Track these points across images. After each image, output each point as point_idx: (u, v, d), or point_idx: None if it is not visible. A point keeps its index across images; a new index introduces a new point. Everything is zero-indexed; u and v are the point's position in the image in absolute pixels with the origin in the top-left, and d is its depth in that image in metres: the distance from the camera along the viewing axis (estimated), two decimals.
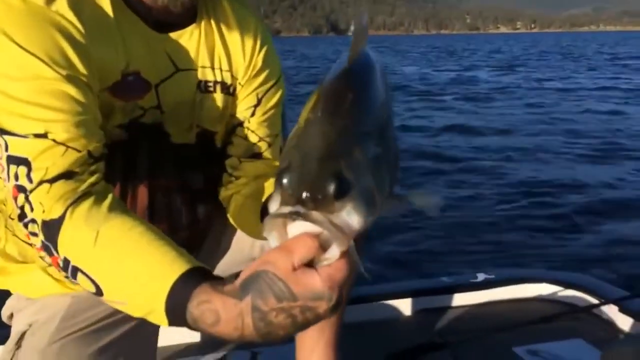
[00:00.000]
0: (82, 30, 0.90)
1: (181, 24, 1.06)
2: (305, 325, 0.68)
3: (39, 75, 0.85)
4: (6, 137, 0.84)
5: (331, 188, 0.61)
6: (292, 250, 0.63)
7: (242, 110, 1.14)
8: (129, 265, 0.78)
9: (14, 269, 1.11)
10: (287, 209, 0.60)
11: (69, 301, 1.08)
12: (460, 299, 2.02)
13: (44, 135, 0.84)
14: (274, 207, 0.62)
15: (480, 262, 3.47)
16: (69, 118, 0.85)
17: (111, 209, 0.84)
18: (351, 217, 0.62)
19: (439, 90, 14.87)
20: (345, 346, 1.33)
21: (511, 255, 3.71)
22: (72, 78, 0.87)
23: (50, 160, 0.84)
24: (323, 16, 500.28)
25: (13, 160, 0.84)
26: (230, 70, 1.12)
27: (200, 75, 1.09)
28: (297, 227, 0.62)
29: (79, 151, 0.86)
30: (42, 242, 0.84)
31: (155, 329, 1.17)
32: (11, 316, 1.15)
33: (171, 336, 1.70)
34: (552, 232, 4.17)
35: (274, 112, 1.18)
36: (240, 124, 1.15)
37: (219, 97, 1.11)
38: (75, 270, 0.81)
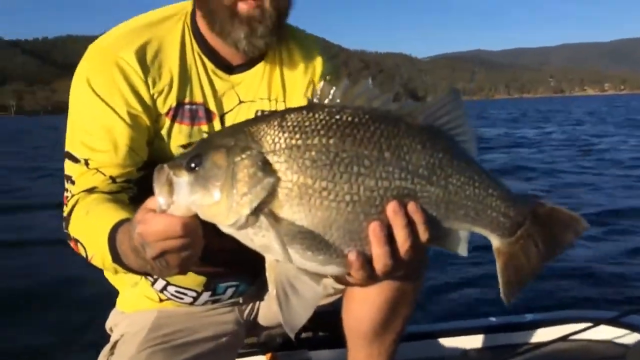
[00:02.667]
0: (140, 73, 1.27)
1: (249, 64, 1.40)
2: (150, 268, 0.95)
3: (98, 113, 1.25)
4: (66, 159, 1.30)
5: (188, 157, 0.82)
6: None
7: None
8: (93, 228, 1.15)
9: (116, 285, 1.49)
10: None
11: (155, 315, 1.44)
12: (509, 338, 2.03)
13: (86, 162, 1.27)
14: None
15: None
16: (106, 150, 1.26)
17: (101, 199, 1.22)
18: (184, 185, 0.77)
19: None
20: None
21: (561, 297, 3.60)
22: (122, 114, 1.26)
23: (83, 180, 1.27)
24: (401, 84, 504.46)
25: (65, 177, 1.30)
26: (285, 100, 1.42)
27: (258, 106, 1.40)
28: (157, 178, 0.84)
29: (104, 175, 1.26)
30: (65, 231, 1.25)
31: (232, 353, 1.51)
32: (111, 329, 1.52)
33: None
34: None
35: None
36: None
37: None
38: (77, 242, 1.21)
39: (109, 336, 1.50)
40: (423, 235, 0.87)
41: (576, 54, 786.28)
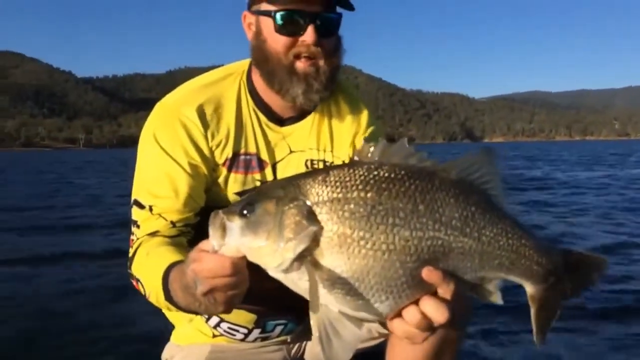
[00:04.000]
0: (201, 128, 1.43)
1: (299, 117, 1.54)
2: (197, 304, 1.03)
3: (162, 164, 1.41)
4: (133, 206, 1.44)
5: (241, 204, 0.90)
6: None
7: None
8: (151, 268, 1.27)
9: (173, 320, 1.59)
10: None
11: (209, 350, 1.56)
12: None
13: (150, 208, 1.41)
14: None
15: None
16: (168, 197, 1.40)
17: (160, 242, 1.36)
18: (235, 229, 0.86)
19: None
20: None
21: None
22: (184, 166, 1.41)
23: (147, 224, 1.42)
24: (458, 123, 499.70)
25: (132, 222, 1.44)
26: (332, 150, 1.55)
27: (308, 155, 1.53)
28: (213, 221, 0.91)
29: (166, 220, 1.41)
30: (128, 271, 1.38)
31: None
32: None
33: None
34: None
35: None
36: None
37: None
38: (138, 280, 1.33)
39: None
40: (458, 287, 0.91)
41: None
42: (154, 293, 1.25)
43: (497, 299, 0.96)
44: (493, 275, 0.95)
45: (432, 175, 0.92)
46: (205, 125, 1.44)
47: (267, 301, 1.06)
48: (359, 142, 1.52)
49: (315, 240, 0.87)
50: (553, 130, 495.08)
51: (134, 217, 1.44)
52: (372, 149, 0.94)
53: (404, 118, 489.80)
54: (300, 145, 1.53)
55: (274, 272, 0.90)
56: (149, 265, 1.29)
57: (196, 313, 1.22)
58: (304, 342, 1.68)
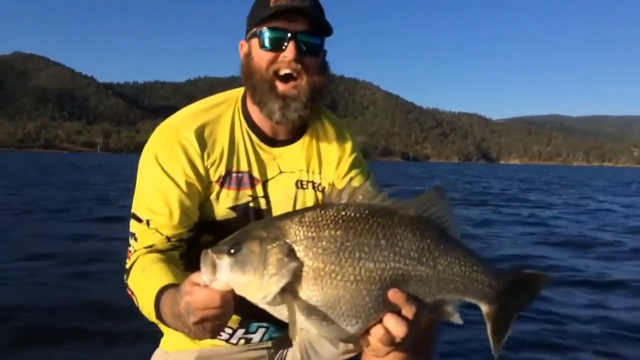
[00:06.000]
0: (198, 149, 1.52)
1: (289, 140, 1.65)
2: (187, 331, 1.15)
3: (160, 182, 1.52)
4: (132, 219, 1.54)
5: (229, 244, 1.01)
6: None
7: None
8: (145, 286, 1.37)
9: (162, 327, 1.63)
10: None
11: (195, 356, 1.66)
12: None
13: (147, 222, 1.51)
14: None
15: None
16: (164, 213, 1.50)
17: (155, 259, 1.45)
18: (224, 266, 0.99)
19: None
20: None
21: None
22: (180, 185, 1.51)
23: (144, 237, 1.51)
24: (473, 144, 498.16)
25: (130, 234, 1.53)
26: (320, 173, 1.66)
27: (297, 176, 1.63)
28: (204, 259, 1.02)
29: (161, 235, 1.50)
30: (125, 282, 1.48)
31: None
32: None
33: None
34: None
35: None
36: None
37: (310, 193, 1.64)
38: (132, 292, 1.43)
39: None
40: (418, 308, 1.05)
41: None
42: (146, 309, 1.37)
43: (456, 319, 1.10)
44: (450, 297, 1.08)
45: (392, 213, 1.05)
46: (201, 146, 1.54)
47: (252, 307, 1.12)
48: (344, 166, 1.67)
49: (294, 275, 0.99)
50: (570, 155, 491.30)
51: (132, 229, 1.54)
52: (340, 191, 1.07)
53: (419, 136, 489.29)
54: (290, 166, 1.64)
55: (258, 303, 1.02)
56: (143, 282, 1.40)
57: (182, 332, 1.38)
58: (286, 350, 1.77)
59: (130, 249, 1.54)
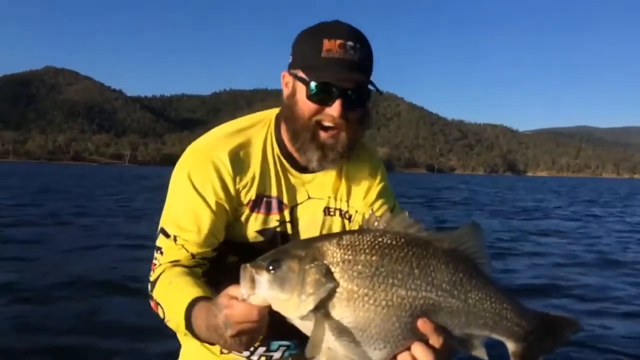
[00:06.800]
0: (230, 170, 1.53)
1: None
2: (222, 342, 1.20)
3: (191, 200, 1.54)
4: (160, 234, 1.56)
5: (268, 261, 1.06)
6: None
7: None
8: (174, 298, 1.41)
9: (181, 339, 1.73)
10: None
11: None
12: None
13: (174, 238, 1.54)
14: None
15: None
16: (192, 231, 1.52)
17: (181, 272, 1.49)
18: (263, 282, 1.04)
19: None
20: None
21: None
22: (211, 204, 1.52)
23: (170, 252, 1.54)
24: (500, 156, 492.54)
25: (156, 248, 1.57)
26: (348, 200, 1.67)
27: (325, 203, 1.65)
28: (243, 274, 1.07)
29: (187, 251, 1.53)
30: (149, 293, 1.52)
31: None
32: None
33: None
34: None
35: None
36: None
37: (337, 220, 1.66)
38: (158, 304, 1.47)
39: None
40: (446, 339, 1.07)
41: None
42: (173, 321, 1.41)
43: (482, 354, 1.11)
44: (479, 332, 1.10)
45: (427, 244, 1.08)
46: (234, 168, 1.55)
47: (275, 325, 1.18)
48: (372, 195, 1.69)
49: (329, 295, 1.03)
50: (600, 167, 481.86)
51: (158, 243, 1.58)
52: (378, 218, 1.11)
53: (444, 148, 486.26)
54: (319, 193, 1.66)
55: (292, 319, 1.07)
56: (171, 294, 1.44)
57: (212, 344, 1.44)
58: None
59: (155, 262, 1.58)
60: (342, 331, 1.04)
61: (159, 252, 1.57)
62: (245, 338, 1.16)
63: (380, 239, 1.07)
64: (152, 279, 1.54)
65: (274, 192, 1.61)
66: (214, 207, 1.54)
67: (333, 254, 1.06)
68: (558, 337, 1.16)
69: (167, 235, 1.56)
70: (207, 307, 1.25)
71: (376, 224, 1.11)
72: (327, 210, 1.66)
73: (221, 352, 1.70)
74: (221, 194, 1.54)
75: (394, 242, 1.07)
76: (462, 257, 1.10)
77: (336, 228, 1.66)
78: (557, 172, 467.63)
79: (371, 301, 1.03)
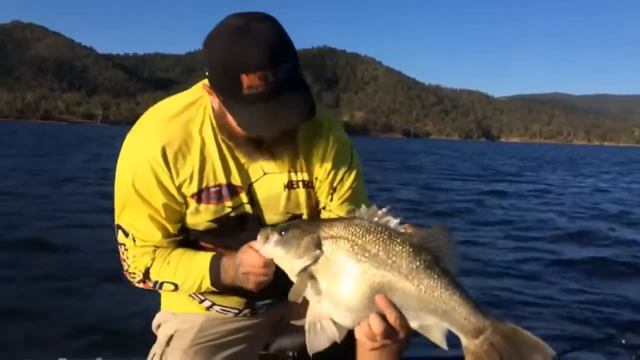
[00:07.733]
0: (167, 169, 1.51)
1: None
2: (247, 283, 1.47)
3: (141, 208, 1.56)
4: (118, 230, 1.62)
5: (281, 228, 1.34)
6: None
7: (323, 198, 1.67)
8: (186, 267, 1.57)
9: (173, 297, 1.81)
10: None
11: (203, 319, 1.76)
12: None
13: (133, 239, 1.59)
14: None
15: None
16: (149, 233, 1.58)
17: (168, 251, 1.60)
18: (272, 240, 1.33)
19: None
20: None
21: None
22: (159, 208, 1.55)
23: (134, 249, 1.61)
24: (474, 121, 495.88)
25: (119, 243, 1.63)
26: (308, 170, 1.65)
27: (287, 177, 1.62)
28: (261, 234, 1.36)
29: (148, 246, 1.60)
30: (141, 279, 1.62)
31: (256, 353, 1.88)
32: (158, 326, 1.83)
33: None
34: None
35: (350, 193, 1.67)
36: (323, 207, 1.68)
37: (302, 192, 1.64)
38: (162, 283, 1.61)
39: (153, 334, 1.81)
40: (401, 319, 1.22)
41: None
42: (190, 281, 1.58)
43: (441, 343, 1.24)
44: (432, 319, 1.23)
45: (398, 234, 1.26)
46: (171, 165, 1.51)
47: (258, 292, 1.49)
48: (329, 161, 1.64)
49: (316, 261, 1.28)
50: (571, 134, 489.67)
51: (120, 240, 1.62)
52: (366, 211, 1.30)
53: (420, 113, 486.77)
54: (275, 168, 1.60)
55: (287, 273, 1.33)
56: (180, 264, 1.58)
57: (227, 290, 1.62)
58: (295, 319, 1.81)
59: (124, 256, 1.63)
60: (318, 291, 1.28)
61: (123, 247, 1.62)
62: (253, 278, 1.44)
63: (364, 226, 1.27)
64: (131, 270, 1.62)
65: (221, 179, 1.56)
66: (163, 210, 1.55)
67: (327, 230, 1.29)
68: (522, 355, 1.18)
69: (126, 235, 1.59)
70: (234, 256, 1.49)
71: (364, 214, 1.30)
72: (290, 184, 1.63)
73: (207, 309, 1.77)
74: (166, 195, 1.54)
75: (372, 229, 1.26)
76: (425, 250, 1.23)
77: (302, 199, 1.64)
78: (530, 138, 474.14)
79: (343, 271, 1.25)
